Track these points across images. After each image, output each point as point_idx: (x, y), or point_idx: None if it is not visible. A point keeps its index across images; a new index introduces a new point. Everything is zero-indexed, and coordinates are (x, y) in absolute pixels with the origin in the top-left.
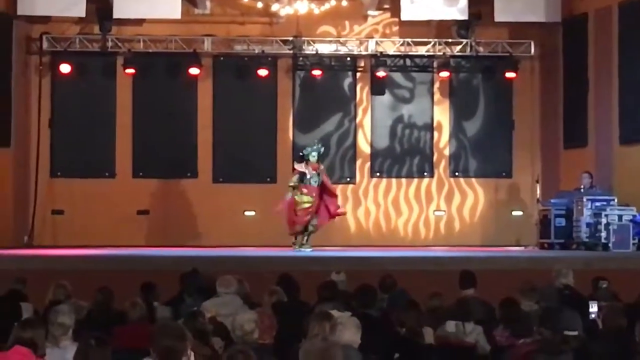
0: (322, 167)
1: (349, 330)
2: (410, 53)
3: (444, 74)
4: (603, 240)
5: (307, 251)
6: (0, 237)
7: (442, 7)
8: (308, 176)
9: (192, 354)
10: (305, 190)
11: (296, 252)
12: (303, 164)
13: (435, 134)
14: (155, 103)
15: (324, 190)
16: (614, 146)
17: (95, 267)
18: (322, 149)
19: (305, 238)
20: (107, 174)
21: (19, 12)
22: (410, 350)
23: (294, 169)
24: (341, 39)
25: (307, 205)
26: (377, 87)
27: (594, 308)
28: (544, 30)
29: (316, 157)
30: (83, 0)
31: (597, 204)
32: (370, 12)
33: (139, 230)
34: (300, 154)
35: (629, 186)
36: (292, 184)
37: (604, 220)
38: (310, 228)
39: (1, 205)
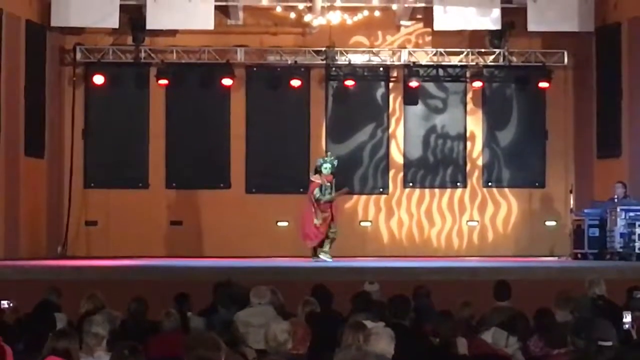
0: (334, 181)
1: (382, 341)
2: (443, 63)
3: (477, 83)
4: (637, 250)
5: (328, 260)
6: (35, 248)
7: (475, 17)
8: (323, 188)
9: None
10: (319, 210)
11: (317, 262)
12: (317, 175)
13: (468, 144)
14: (188, 114)
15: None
16: None
17: (129, 278)
18: (336, 162)
19: (328, 246)
20: (140, 185)
21: (53, 24)
22: None
23: (310, 180)
24: (374, 49)
25: (321, 222)
26: (410, 97)
27: (628, 318)
28: (577, 39)
29: (329, 170)
30: (116, 11)
31: (631, 213)
32: (402, 22)
33: (172, 240)
34: (317, 164)
35: None
36: (317, 196)
37: (638, 230)
38: (331, 235)
39: (35, 216)
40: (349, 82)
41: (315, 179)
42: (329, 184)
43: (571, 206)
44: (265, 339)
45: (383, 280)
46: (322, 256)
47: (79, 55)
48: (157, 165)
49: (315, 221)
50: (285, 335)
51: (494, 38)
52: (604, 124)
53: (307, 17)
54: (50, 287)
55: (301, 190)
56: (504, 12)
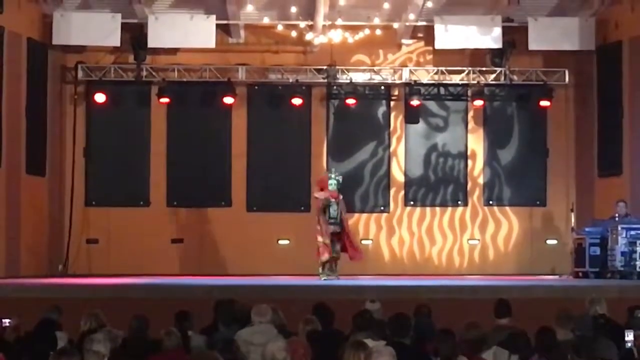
0: (341, 197)
1: (384, 359)
2: (444, 81)
3: (478, 102)
4: (638, 269)
5: (334, 279)
6: (36, 266)
7: (476, 36)
8: (325, 204)
9: None
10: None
11: (325, 281)
12: (322, 192)
13: (470, 162)
14: (190, 132)
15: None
16: None
17: (130, 296)
18: (341, 179)
19: (333, 266)
20: (141, 203)
21: (54, 42)
22: None
23: (315, 198)
24: (375, 68)
25: (327, 240)
26: (411, 116)
27: (629, 337)
28: (578, 58)
29: (334, 186)
30: (118, 30)
31: (632, 232)
32: (404, 41)
33: (173, 259)
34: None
35: None
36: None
37: (639, 249)
38: (334, 254)
39: (36, 234)
40: (350, 101)
41: (319, 195)
42: (333, 200)
43: (572, 224)
44: (263, 359)
45: (384, 298)
46: (330, 277)
47: (80, 74)
48: (158, 184)
49: (320, 239)
50: (284, 354)
51: (495, 57)
52: (605, 143)
53: (309, 36)
54: (51, 305)
55: (302, 208)
56: (505, 30)
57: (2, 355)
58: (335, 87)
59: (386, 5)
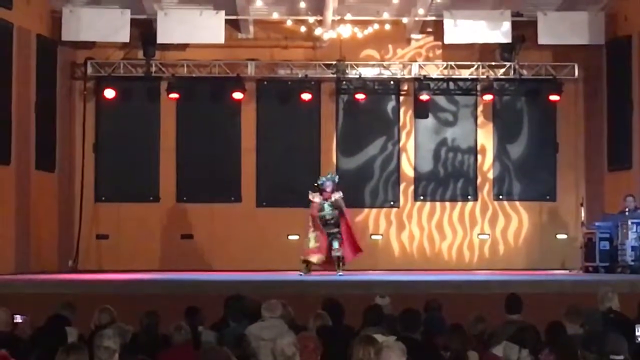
0: (337, 196)
1: (394, 354)
2: (453, 76)
3: (488, 97)
4: None
5: (338, 275)
6: (45, 262)
7: (485, 30)
8: (320, 207)
9: None
10: (317, 233)
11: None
12: (317, 194)
13: (479, 157)
14: (199, 127)
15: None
16: None
17: (140, 292)
18: (337, 178)
19: (339, 264)
20: (151, 199)
21: (64, 38)
22: None
23: (309, 199)
24: (384, 63)
25: (316, 244)
26: (421, 111)
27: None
28: (588, 52)
29: (331, 187)
30: (127, 26)
31: None
32: (413, 36)
33: (183, 254)
34: (315, 184)
35: None
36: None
37: None
38: (338, 253)
39: (46, 230)
40: (360, 96)
41: (312, 197)
42: (324, 201)
43: (582, 219)
44: (273, 354)
45: (394, 293)
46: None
47: (89, 70)
48: (168, 179)
49: (311, 244)
50: (293, 349)
51: (505, 51)
52: (615, 137)
53: (318, 31)
54: (62, 301)
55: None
56: (514, 25)
57: (6, 353)
58: (344, 82)
59: (395, 0)
